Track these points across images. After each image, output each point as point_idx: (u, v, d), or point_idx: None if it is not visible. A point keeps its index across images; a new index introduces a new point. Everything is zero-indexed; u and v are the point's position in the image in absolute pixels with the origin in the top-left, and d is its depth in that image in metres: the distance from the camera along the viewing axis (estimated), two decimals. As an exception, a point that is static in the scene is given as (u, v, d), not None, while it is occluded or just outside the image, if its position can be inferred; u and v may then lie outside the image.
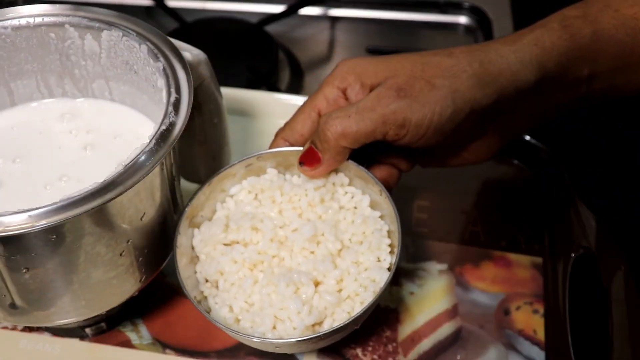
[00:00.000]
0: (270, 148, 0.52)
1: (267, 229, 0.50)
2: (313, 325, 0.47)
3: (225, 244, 0.50)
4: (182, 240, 0.50)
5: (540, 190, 0.65)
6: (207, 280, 0.50)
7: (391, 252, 0.49)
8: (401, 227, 0.48)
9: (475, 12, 0.85)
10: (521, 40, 0.49)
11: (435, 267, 0.59)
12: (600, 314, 0.54)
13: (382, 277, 0.48)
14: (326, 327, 0.47)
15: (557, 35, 0.49)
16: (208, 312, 0.49)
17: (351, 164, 0.50)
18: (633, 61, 0.51)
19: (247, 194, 0.52)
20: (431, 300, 0.57)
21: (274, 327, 0.47)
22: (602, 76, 0.51)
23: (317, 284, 0.48)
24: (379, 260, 0.49)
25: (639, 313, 0.53)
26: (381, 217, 0.51)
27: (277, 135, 0.52)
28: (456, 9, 0.86)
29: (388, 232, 0.50)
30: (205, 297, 0.50)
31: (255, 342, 0.47)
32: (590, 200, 0.60)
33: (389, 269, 0.48)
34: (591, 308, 0.55)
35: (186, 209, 0.50)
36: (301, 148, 0.51)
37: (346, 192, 0.52)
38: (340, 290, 0.48)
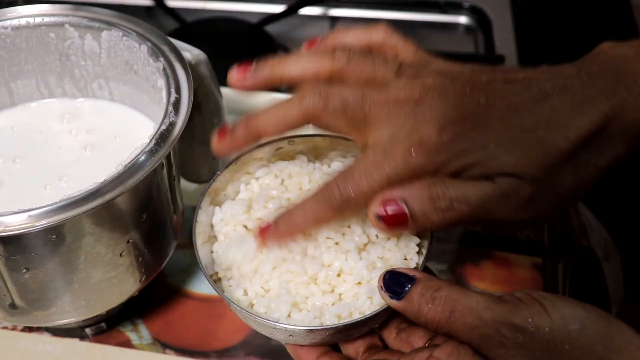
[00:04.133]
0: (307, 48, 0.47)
1: None
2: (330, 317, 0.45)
3: (245, 226, 0.48)
4: (202, 217, 0.48)
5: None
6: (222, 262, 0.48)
7: (419, 253, 0.47)
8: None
9: (475, 12, 0.85)
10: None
11: (435, 267, 0.59)
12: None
13: None
14: (345, 318, 0.44)
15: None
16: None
17: None
18: None
19: (274, 179, 0.50)
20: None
21: (289, 316, 0.45)
22: None
23: (339, 274, 0.46)
24: (405, 259, 0.46)
25: (639, 313, 0.53)
26: None
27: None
28: (456, 9, 0.86)
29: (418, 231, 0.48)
30: (220, 279, 0.48)
31: (267, 328, 0.45)
32: (590, 200, 0.60)
33: (415, 269, 0.45)
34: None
35: (210, 185, 0.48)
36: (334, 134, 0.47)
37: None
38: (360, 284, 0.45)
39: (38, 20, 0.51)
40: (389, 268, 0.44)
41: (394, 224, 0.41)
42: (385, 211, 0.40)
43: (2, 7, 0.52)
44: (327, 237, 0.46)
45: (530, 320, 0.36)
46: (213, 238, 0.49)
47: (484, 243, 0.61)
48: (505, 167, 0.39)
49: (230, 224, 0.48)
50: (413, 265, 0.46)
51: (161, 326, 0.55)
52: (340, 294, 0.45)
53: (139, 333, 0.55)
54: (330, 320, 0.44)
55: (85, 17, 0.51)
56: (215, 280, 0.47)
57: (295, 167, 0.50)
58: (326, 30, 0.86)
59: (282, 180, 0.50)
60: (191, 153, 0.56)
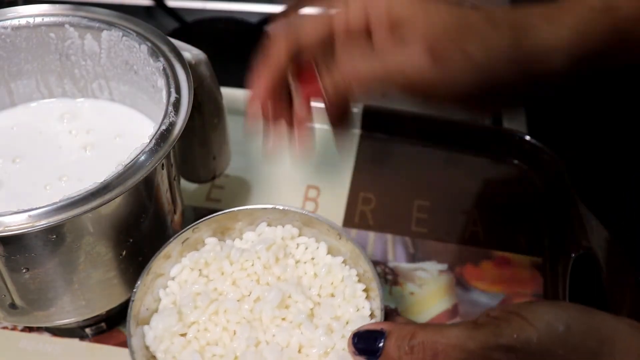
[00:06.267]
0: (270, 54, 0.45)
1: (231, 307, 0.44)
2: None
3: (181, 335, 0.44)
4: (135, 343, 0.43)
5: (540, 190, 0.65)
6: None
7: (367, 298, 0.45)
8: (372, 263, 0.44)
9: (475, 12, 0.85)
10: (560, 20, 0.44)
11: (435, 267, 0.59)
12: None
13: None
14: None
15: (598, 17, 0.43)
16: None
17: (294, 211, 0.47)
18: None
19: (190, 272, 0.47)
20: (431, 300, 0.57)
21: None
22: None
23: (300, 351, 0.43)
24: (357, 310, 0.44)
25: (639, 313, 0.53)
26: (344, 262, 0.47)
27: (277, 38, 0.46)
28: (456, 9, 0.86)
29: (357, 275, 0.46)
30: None
31: None
32: (590, 200, 0.60)
33: (370, 316, 0.44)
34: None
35: (130, 306, 0.44)
36: (237, 209, 0.47)
37: (298, 245, 0.47)
38: (327, 353, 0.42)
39: (38, 20, 0.51)
40: (348, 328, 0.42)
41: None
42: None
43: (2, 7, 0.52)
44: (274, 317, 0.44)
45: (516, 336, 0.36)
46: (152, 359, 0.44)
47: (484, 243, 0.61)
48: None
49: (165, 339, 0.44)
50: (368, 312, 0.44)
51: (161, 326, 0.55)
52: None
53: (139, 333, 0.55)
54: None
55: (85, 17, 0.51)
56: None
57: (209, 253, 0.47)
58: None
59: (200, 271, 0.47)
60: (191, 153, 0.56)
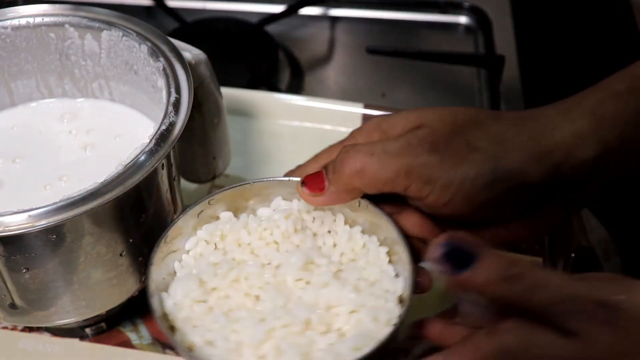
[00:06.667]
0: None
1: (253, 272, 0.43)
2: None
3: (201, 301, 0.43)
4: (156, 306, 0.43)
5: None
6: (190, 349, 0.42)
7: (390, 262, 0.44)
8: (395, 223, 0.44)
9: (475, 12, 0.85)
10: (578, 109, 0.42)
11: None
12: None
13: (396, 287, 0.43)
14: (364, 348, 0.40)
15: (623, 100, 0.41)
16: None
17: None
18: None
19: (206, 245, 0.46)
20: (431, 300, 0.57)
21: None
22: None
23: (329, 309, 0.42)
24: (382, 271, 0.44)
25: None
26: (362, 231, 0.46)
27: (285, 175, 0.48)
28: (456, 9, 0.86)
29: (378, 241, 0.46)
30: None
31: None
32: (590, 200, 0.60)
33: (396, 276, 0.44)
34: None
35: (150, 269, 0.44)
36: (252, 181, 0.47)
37: (314, 218, 0.47)
38: (356, 311, 0.41)
39: (38, 20, 0.51)
40: (376, 288, 0.42)
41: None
42: None
43: (2, 7, 0.52)
44: (297, 280, 0.43)
45: (616, 296, 0.35)
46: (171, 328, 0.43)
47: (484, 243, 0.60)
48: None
49: (185, 306, 0.43)
50: (393, 274, 0.44)
51: (161, 326, 0.55)
52: (339, 329, 0.41)
53: (139, 333, 0.55)
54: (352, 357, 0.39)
55: (85, 17, 0.51)
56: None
57: (225, 225, 0.46)
58: (326, 30, 0.86)
59: (215, 245, 0.46)
60: (191, 153, 0.56)
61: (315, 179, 0.43)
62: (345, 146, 0.43)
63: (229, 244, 0.46)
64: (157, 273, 0.44)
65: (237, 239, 0.46)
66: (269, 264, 0.44)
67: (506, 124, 0.42)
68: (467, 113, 0.43)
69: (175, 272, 0.46)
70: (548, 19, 0.84)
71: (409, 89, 0.80)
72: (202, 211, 0.47)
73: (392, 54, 0.79)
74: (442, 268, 0.37)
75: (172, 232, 0.45)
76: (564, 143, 0.41)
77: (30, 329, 0.54)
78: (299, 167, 0.48)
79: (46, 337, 0.54)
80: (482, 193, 0.41)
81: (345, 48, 0.85)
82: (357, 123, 0.69)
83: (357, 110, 0.69)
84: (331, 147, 0.46)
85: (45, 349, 0.53)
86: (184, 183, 0.56)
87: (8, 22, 0.51)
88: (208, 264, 0.45)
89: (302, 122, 0.69)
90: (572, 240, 0.58)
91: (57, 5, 0.51)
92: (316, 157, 0.47)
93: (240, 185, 0.47)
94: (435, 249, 0.38)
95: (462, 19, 0.86)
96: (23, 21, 0.51)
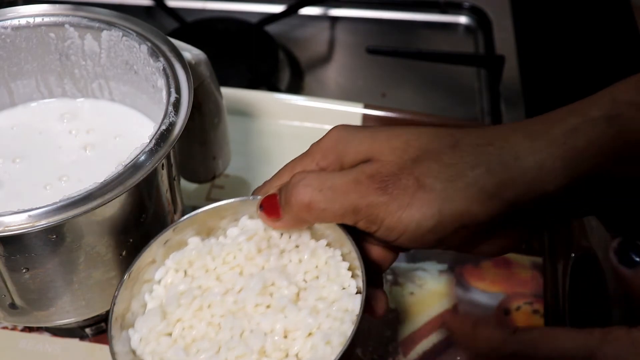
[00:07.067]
0: None
1: (214, 301, 0.43)
2: None
3: (167, 334, 0.43)
4: (118, 347, 0.42)
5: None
6: None
7: (353, 276, 0.43)
8: (352, 239, 0.43)
9: (475, 12, 0.85)
10: (547, 135, 0.39)
11: (435, 267, 0.59)
12: (600, 314, 0.54)
13: (355, 304, 0.41)
14: None
15: (598, 130, 0.38)
16: None
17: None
18: None
19: (175, 274, 0.45)
20: (431, 300, 0.57)
21: None
22: None
23: (286, 336, 0.42)
24: (343, 288, 0.43)
25: (638, 313, 0.53)
26: (328, 244, 0.45)
27: (253, 193, 0.47)
28: (456, 9, 0.86)
29: (342, 255, 0.44)
30: None
31: None
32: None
33: (357, 293, 0.43)
34: (591, 308, 0.55)
35: (113, 309, 0.43)
36: (217, 204, 0.46)
37: (282, 234, 0.46)
38: (312, 334, 0.41)
39: (38, 20, 0.51)
40: (334, 307, 0.41)
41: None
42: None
43: (2, 7, 0.52)
44: (257, 305, 0.43)
45: None
46: None
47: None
48: None
49: (151, 340, 0.43)
50: (354, 290, 0.43)
51: (161, 326, 0.55)
52: (296, 354, 0.41)
53: (139, 333, 0.55)
54: None
55: (85, 17, 0.51)
56: None
57: (191, 252, 0.45)
58: (326, 30, 0.86)
59: (185, 272, 0.46)
60: (191, 153, 0.56)
61: (271, 203, 0.43)
62: (298, 174, 0.42)
63: (197, 271, 0.45)
64: (120, 311, 0.44)
65: (204, 265, 0.45)
66: (232, 289, 0.44)
67: (463, 153, 0.39)
68: (422, 142, 0.41)
69: (146, 304, 0.45)
70: (548, 19, 0.84)
71: (409, 89, 0.80)
72: (167, 240, 0.46)
73: (392, 54, 0.79)
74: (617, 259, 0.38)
75: (138, 265, 0.44)
76: (525, 176, 0.38)
77: (30, 329, 0.54)
78: (265, 183, 0.47)
79: (46, 337, 0.54)
80: (429, 234, 0.40)
81: (345, 48, 0.85)
82: (357, 123, 0.69)
83: (357, 110, 0.69)
84: (294, 162, 0.45)
85: (45, 349, 0.54)
86: (184, 183, 0.56)
87: (8, 22, 0.51)
88: (174, 294, 0.44)
89: (302, 122, 0.69)
90: (572, 240, 0.58)
91: (57, 5, 0.51)
92: (279, 173, 0.46)
93: (206, 209, 0.46)
94: (614, 248, 0.38)
95: (462, 19, 0.86)
96: (23, 21, 0.51)
